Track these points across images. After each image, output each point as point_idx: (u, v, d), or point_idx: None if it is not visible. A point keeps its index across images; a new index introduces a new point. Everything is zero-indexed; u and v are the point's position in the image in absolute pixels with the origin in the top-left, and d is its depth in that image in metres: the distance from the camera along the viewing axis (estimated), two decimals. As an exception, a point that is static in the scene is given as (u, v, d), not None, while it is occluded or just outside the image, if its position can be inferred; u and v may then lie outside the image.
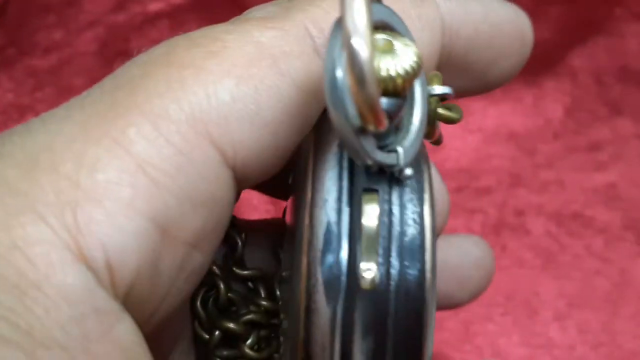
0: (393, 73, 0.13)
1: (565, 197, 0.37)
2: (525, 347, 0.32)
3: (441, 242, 0.24)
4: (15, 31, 0.44)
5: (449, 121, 0.16)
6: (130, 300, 0.14)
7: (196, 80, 0.14)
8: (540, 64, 0.43)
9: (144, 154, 0.14)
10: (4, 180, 0.13)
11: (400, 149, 0.14)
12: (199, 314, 0.19)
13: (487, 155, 0.39)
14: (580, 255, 0.35)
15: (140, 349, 0.14)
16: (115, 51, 0.43)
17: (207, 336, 0.19)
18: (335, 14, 0.14)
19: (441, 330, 0.33)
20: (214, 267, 0.19)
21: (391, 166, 0.14)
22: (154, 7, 0.44)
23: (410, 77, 0.14)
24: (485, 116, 0.41)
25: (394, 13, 0.15)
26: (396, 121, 0.14)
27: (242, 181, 0.15)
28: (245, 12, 0.17)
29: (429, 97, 0.15)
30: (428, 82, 0.16)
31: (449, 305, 0.24)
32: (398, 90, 0.14)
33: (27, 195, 0.13)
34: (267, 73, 0.15)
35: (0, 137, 0.14)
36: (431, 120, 0.16)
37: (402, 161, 0.14)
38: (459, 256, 0.23)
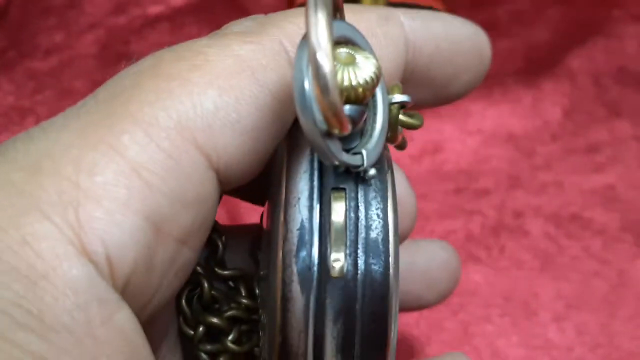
0: (354, 83, 0.15)
1: (563, 199, 0.37)
2: (523, 348, 0.32)
3: (409, 245, 0.25)
4: (16, 33, 0.45)
5: (410, 127, 0.18)
6: (127, 292, 0.15)
7: (182, 91, 0.16)
8: (539, 65, 0.43)
9: (138, 158, 0.15)
10: (11, 183, 0.15)
11: (364, 151, 0.16)
12: (184, 311, 0.20)
13: (486, 156, 0.40)
14: (578, 256, 0.35)
15: (138, 335, 0.15)
16: (115, 54, 0.43)
17: (191, 332, 0.20)
18: (299, 31, 0.17)
19: (440, 331, 0.33)
20: (197, 267, 0.20)
21: (356, 167, 0.16)
22: (154, 10, 0.44)
23: (370, 86, 0.15)
24: (484, 118, 0.41)
25: (355, 29, 0.16)
26: (359, 126, 0.16)
27: (224, 183, 0.17)
28: (223, 27, 0.18)
29: (390, 104, 0.17)
30: (389, 91, 0.17)
31: (418, 306, 0.26)
32: (360, 99, 0.15)
33: (32, 196, 0.14)
34: (246, 84, 0.16)
35: (4, 144, 0.16)
36: (393, 125, 0.17)
37: (366, 162, 0.16)
38: (427, 259, 0.25)
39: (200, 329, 0.20)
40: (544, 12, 0.45)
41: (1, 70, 0.42)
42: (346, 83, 0.15)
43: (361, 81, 0.15)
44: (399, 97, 0.17)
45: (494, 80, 0.43)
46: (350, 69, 0.15)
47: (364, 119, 0.16)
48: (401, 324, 0.33)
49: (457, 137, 0.41)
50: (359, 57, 0.16)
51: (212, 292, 0.20)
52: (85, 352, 0.14)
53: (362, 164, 0.16)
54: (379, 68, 0.16)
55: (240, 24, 0.18)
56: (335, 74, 0.14)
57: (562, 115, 0.41)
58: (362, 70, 0.15)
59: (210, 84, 0.16)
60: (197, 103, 0.16)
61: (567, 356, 0.32)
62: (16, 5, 0.45)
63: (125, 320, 0.14)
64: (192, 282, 0.20)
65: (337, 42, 0.16)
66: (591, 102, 0.42)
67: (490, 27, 0.47)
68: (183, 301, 0.20)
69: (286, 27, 0.17)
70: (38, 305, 0.13)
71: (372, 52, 0.16)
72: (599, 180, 0.38)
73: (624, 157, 0.39)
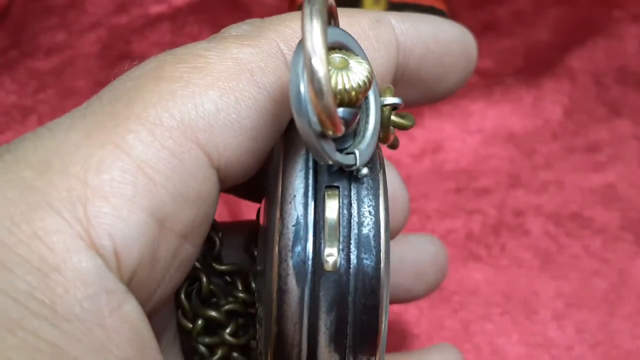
0: (348, 87, 0.16)
1: (564, 198, 0.38)
2: (523, 347, 0.32)
3: (400, 240, 0.26)
4: (17, 33, 0.45)
5: (402, 127, 0.18)
6: (133, 285, 0.16)
7: (184, 92, 0.16)
8: (540, 65, 0.44)
9: (143, 157, 0.16)
10: (22, 180, 0.15)
11: (357, 151, 0.16)
12: (183, 305, 0.21)
13: (487, 156, 0.40)
14: (578, 255, 0.35)
15: (145, 324, 0.16)
16: (117, 53, 0.43)
17: (190, 325, 0.21)
18: (295, 34, 0.18)
19: (440, 329, 0.33)
20: (196, 263, 0.21)
21: (349, 166, 0.16)
22: (155, 9, 0.45)
23: (362, 89, 0.16)
24: (485, 117, 0.41)
25: (349, 35, 0.17)
26: (352, 128, 0.17)
27: (224, 181, 0.17)
28: (221, 31, 0.19)
29: (382, 106, 0.18)
30: (381, 93, 0.18)
31: (407, 298, 0.27)
32: (353, 101, 0.16)
33: (42, 193, 0.15)
34: (245, 86, 0.17)
35: (13, 143, 0.16)
36: (385, 126, 0.18)
37: (358, 161, 0.16)
38: (416, 253, 0.26)
39: (199, 322, 0.21)
40: (544, 12, 0.46)
41: (3, 69, 0.42)
42: (340, 87, 0.16)
43: (354, 85, 0.16)
44: (390, 100, 0.18)
45: (495, 79, 0.43)
46: (344, 73, 0.16)
47: (356, 120, 0.17)
48: (402, 321, 0.33)
49: (457, 137, 0.41)
50: (352, 62, 0.16)
51: (211, 286, 0.21)
52: (96, 340, 0.14)
53: (355, 164, 0.16)
54: (371, 72, 0.16)
55: (238, 28, 0.19)
56: (329, 78, 0.14)
57: (563, 115, 0.41)
58: (355, 74, 0.16)
59: (211, 85, 0.17)
60: (198, 104, 0.16)
61: (566, 354, 0.32)
62: (18, 5, 0.46)
63: (132, 310, 0.15)
64: (190, 277, 0.21)
65: (332, 48, 0.17)
66: (592, 102, 0.42)
67: (490, 27, 0.47)
68: (182, 295, 0.21)
69: (283, 31, 0.18)
70: (50, 296, 0.14)
71: (364, 56, 0.17)
72: (599, 179, 0.38)
73: (624, 156, 0.39)
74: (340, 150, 0.16)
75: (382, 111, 0.18)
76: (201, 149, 0.16)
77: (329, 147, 0.16)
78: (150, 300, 0.16)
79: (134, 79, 0.17)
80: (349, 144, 0.17)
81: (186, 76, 0.17)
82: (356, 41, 0.17)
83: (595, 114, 0.41)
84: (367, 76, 0.16)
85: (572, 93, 0.42)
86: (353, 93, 0.16)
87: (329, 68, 0.15)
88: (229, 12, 0.44)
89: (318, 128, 0.15)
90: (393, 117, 0.18)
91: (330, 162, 0.16)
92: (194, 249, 0.17)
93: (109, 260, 0.15)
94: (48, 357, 0.14)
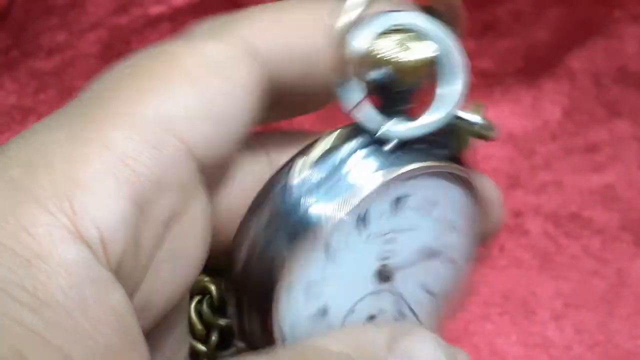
0: (386, 56, 0.17)
1: (563, 198, 0.38)
2: (522, 347, 0.32)
3: None
4: (18, 33, 0.45)
5: (482, 138, 0.19)
6: (120, 273, 0.16)
7: (163, 88, 0.17)
8: (539, 65, 0.44)
9: (124, 150, 0.16)
10: (9, 177, 0.16)
11: (387, 125, 0.17)
12: (194, 321, 0.21)
13: (486, 156, 0.40)
14: (577, 255, 0.35)
15: (131, 315, 0.16)
16: (117, 53, 0.43)
17: (204, 348, 0.20)
18: (261, 26, 0.19)
19: (438, 329, 0.33)
20: (204, 277, 0.21)
21: (363, 127, 0.17)
22: (155, 10, 0.45)
23: (404, 68, 0.17)
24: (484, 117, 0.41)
25: (440, 28, 0.18)
26: (399, 105, 0.18)
27: (203, 169, 0.18)
28: (190, 28, 0.20)
29: (456, 117, 0.18)
30: (472, 111, 0.19)
31: None
32: (401, 75, 0.17)
33: (29, 189, 0.15)
34: (218, 80, 0.18)
35: (5, 144, 0.17)
36: (459, 137, 0.19)
37: (380, 130, 0.17)
38: None
39: (213, 338, 0.20)
40: (544, 12, 0.46)
41: (4, 69, 0.43)
42: (379, 55, 0.17)
43: (393, 57, 0.17)
44: (466, 115, 0.18)
45: (494, 80, 0.43)
46: (397, 48, 0.17)
47: (391, 92, 0.18)
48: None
49: (457, 137, 0.41)
50: (418, 46, 0.17)
51: (221, 294, 0.21)
52: (79, 328, 0.15)
53: (377, 129, 0.17)
54: (417, 64, 0.17)
55: (204, 25, 0.20)
56: (345, 31, 0.17)
57: (562, 115, 0.41)
58: (405, 53, 0.17)
59: (187, 80, 0.18)
60: (176, 99, 0.17)
61: (565, 354, 0.32)
62: (19, 5, 0.46)
63: (119, 300, 0.16)
64: (199, 291, 0.21)
65: (411, 31, 0.18)
66: (591, 102, 0.42)
67: (490, 27, 0.47)
68: (192, 311, 0.21)
69: (248, 24, 0.19)
70: (33, 283, 0.14)
71: (438, 50, 0.18)
72: (599, 180, 0.38)
73: (624, 157, 0.39)
74: (391, 109, 0.17)
75: (456, 121, 0.18)
76: (180, 140, 0.17)
77: (357, 87, 0.17)
78: (137, 290, 0.17)
79: (113, 78, 0.18)
80: (410, 122, 0.18)
81: (162, 73, 0.18)
82: (446, 34, 0.18)
83: (595, 115, 0.41)
84: (407, 61, 0.17)
85: (572, 93, 0.42)
86: (389, 64, 0.17)
87: (398, 37, 0.17)
88: (229, 12, 0.44)
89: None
90: (474, 128, 0.19)
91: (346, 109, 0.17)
92: (181, 237, 0.18)
93: (96, 250, 0.15)
94: (28, 343, 0.14)
